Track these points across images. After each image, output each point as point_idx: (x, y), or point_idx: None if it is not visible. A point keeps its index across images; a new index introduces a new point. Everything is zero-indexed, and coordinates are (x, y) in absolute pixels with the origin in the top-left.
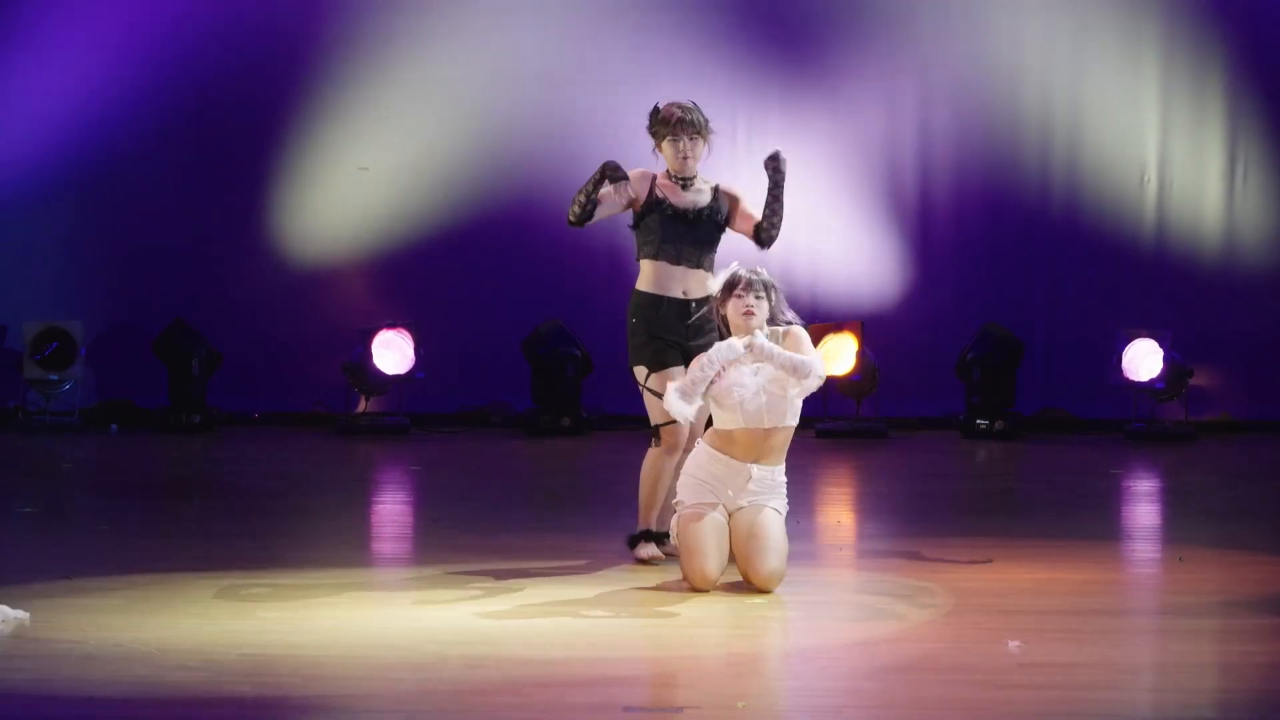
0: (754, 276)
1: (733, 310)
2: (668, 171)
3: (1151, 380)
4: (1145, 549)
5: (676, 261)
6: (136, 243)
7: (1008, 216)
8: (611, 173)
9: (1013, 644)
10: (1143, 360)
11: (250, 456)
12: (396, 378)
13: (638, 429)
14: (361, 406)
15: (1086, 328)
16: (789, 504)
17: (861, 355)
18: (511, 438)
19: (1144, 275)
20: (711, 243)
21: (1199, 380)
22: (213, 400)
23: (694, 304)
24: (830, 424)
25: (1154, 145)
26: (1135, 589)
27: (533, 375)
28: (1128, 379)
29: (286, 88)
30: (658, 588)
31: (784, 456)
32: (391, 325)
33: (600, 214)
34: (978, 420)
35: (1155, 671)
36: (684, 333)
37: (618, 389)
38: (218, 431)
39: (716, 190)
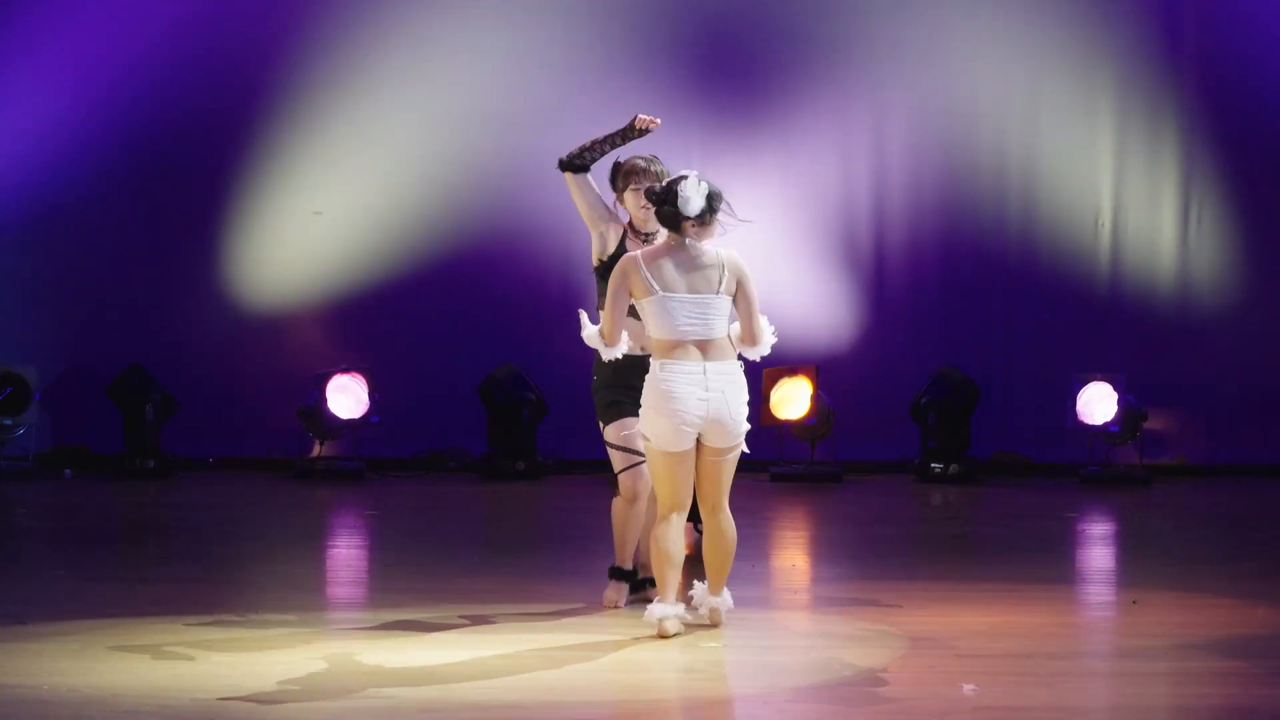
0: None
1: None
2: (630, 224)
3: (1106, 424)
4: (1100, 592)
5: (637, 317)
6: (91, 288)
7: (963, 260)
8: (637, 134)
9: (967, 687)
10: (1098, 404)
11: (205, 501)
12: (351, 422)
13: (592, 473)
14: (316, 451)
15: (1042, 371)
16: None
17: (816, 399)
18: (467, 482)
19: (1099, 319)
20: None
21: (1154, 424)
22: (168, 445)
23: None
24: (785, 468)
25: (1108, 189)
26: (1090, 632)
27: (488, 419)
28: (1083, 422)
29: (241, 132)
30: (613, 631)
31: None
32: (346, 370)
33: (583, 188)
34: (933, 464)
35: (1110, 715)
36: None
37: (573, 433)
38: (172, 476)
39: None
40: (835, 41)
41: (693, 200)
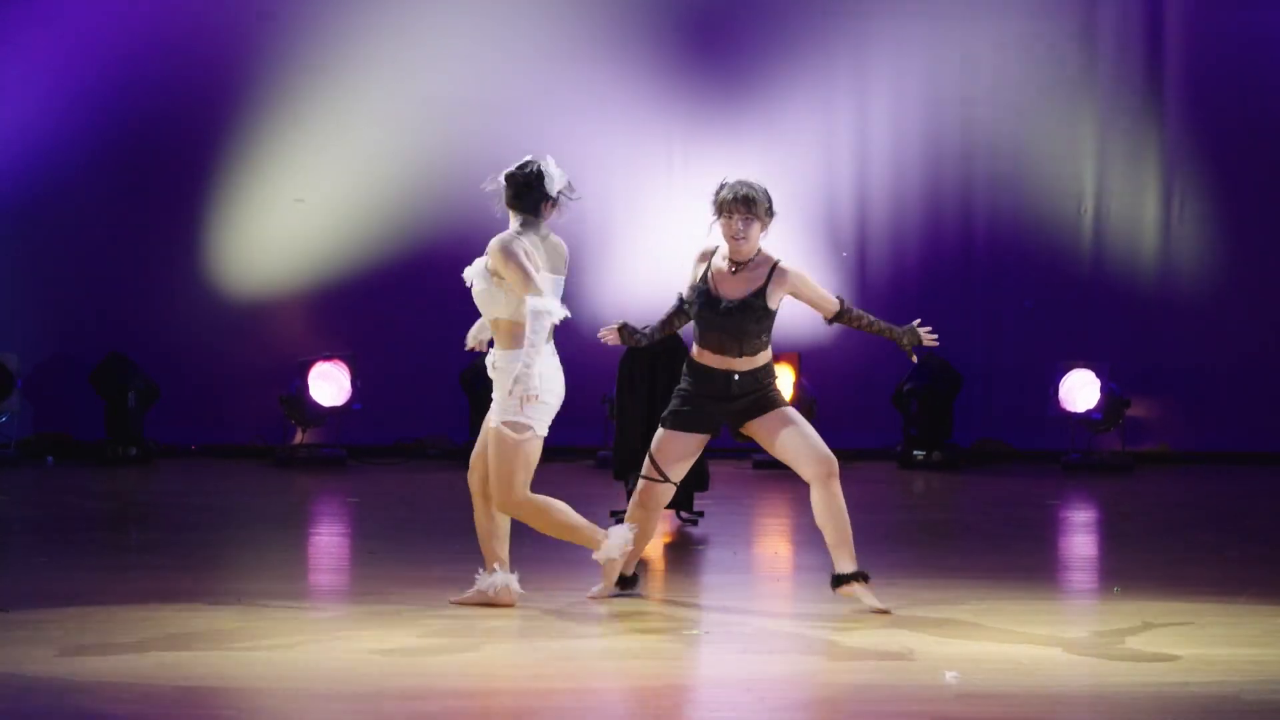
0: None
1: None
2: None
3: (1089, 411)
4: (1082, 579)
5: (718, 351)
6: (73, 275)
7: (945, 247)
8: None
9: (949, 675)
10: (1080, 391)
11: (186, 489)
12: (333, 410)
13: (574, 460)
14: (298, 438)
15: (1024, 359)
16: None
17: (799, 386)
18: (449, 469)
19: (1081, 306)
20: (752, 334)
21: (1136, 411)
22: (150, 433)
23: (736, 376)
24: (767, 455)
25: (1091, 176)
26: (1072, 620)
27: (470, 408)
28: (1065, 410)
29: (222, 120)
30: (595, 619)
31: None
32: (328, 357)
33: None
34: (915, 451)
35: (1092, 703)
36: (729, 398)
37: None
38: (154, 464)
39: (772, 271)
40: (817, 28)
41: (557, 179)
